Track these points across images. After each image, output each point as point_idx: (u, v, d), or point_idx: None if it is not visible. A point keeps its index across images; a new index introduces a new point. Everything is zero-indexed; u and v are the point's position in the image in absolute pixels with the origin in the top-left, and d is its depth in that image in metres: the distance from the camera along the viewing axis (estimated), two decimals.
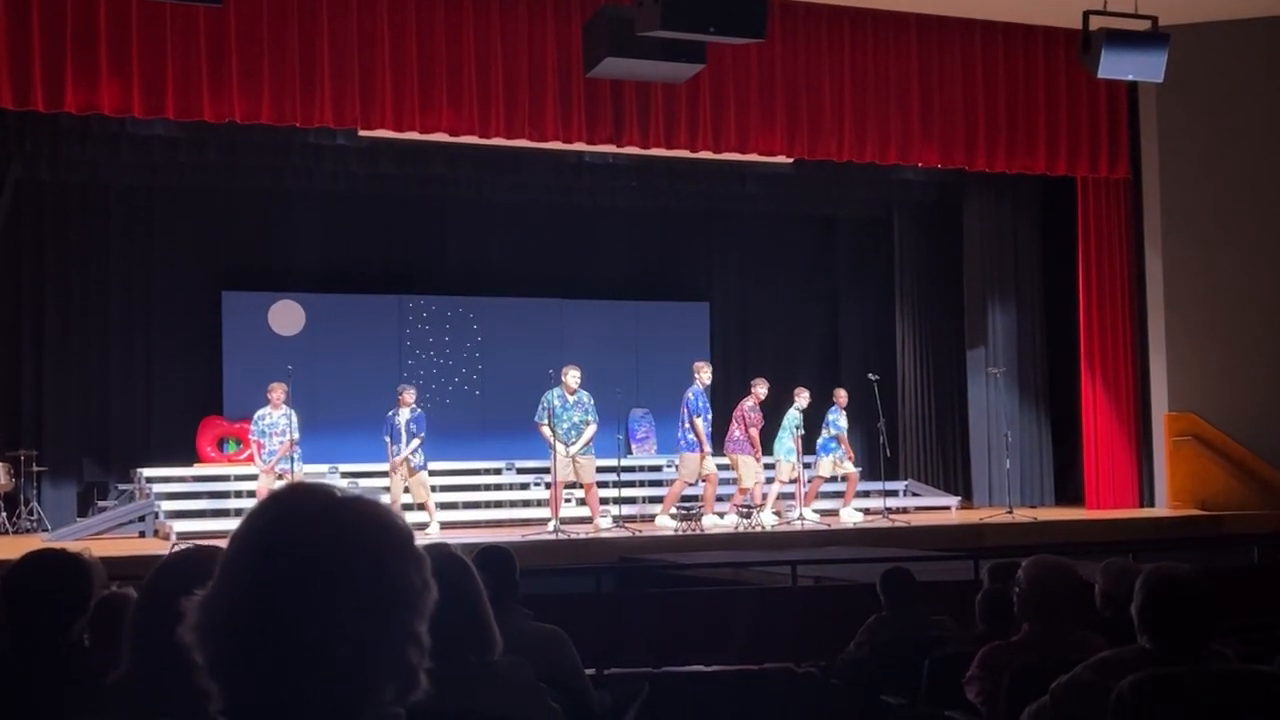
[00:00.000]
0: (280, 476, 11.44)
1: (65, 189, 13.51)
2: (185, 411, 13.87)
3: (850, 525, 12.65)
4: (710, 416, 12.35)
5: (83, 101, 10.67)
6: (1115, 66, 11.10)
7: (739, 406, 12.66)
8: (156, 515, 12.03)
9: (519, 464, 13.88)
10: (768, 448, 12.86)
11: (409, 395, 11.83)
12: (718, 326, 16.05)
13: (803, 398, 12.96)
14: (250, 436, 11.84)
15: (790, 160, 13.71)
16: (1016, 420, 14.71)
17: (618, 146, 12.64)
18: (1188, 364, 13.91)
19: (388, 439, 11.76)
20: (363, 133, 12.14)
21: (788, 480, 12.85)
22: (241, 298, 14.20)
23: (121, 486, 13.37)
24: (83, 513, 13.21)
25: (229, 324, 14.10)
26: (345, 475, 12.86)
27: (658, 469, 14.51)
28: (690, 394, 12.31)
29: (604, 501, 12.43)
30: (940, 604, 5.76)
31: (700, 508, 12.22)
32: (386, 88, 11.46)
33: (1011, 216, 15.15)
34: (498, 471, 13.93)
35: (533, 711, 2.64)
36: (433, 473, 13.22)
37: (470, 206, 14.83)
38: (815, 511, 12.98)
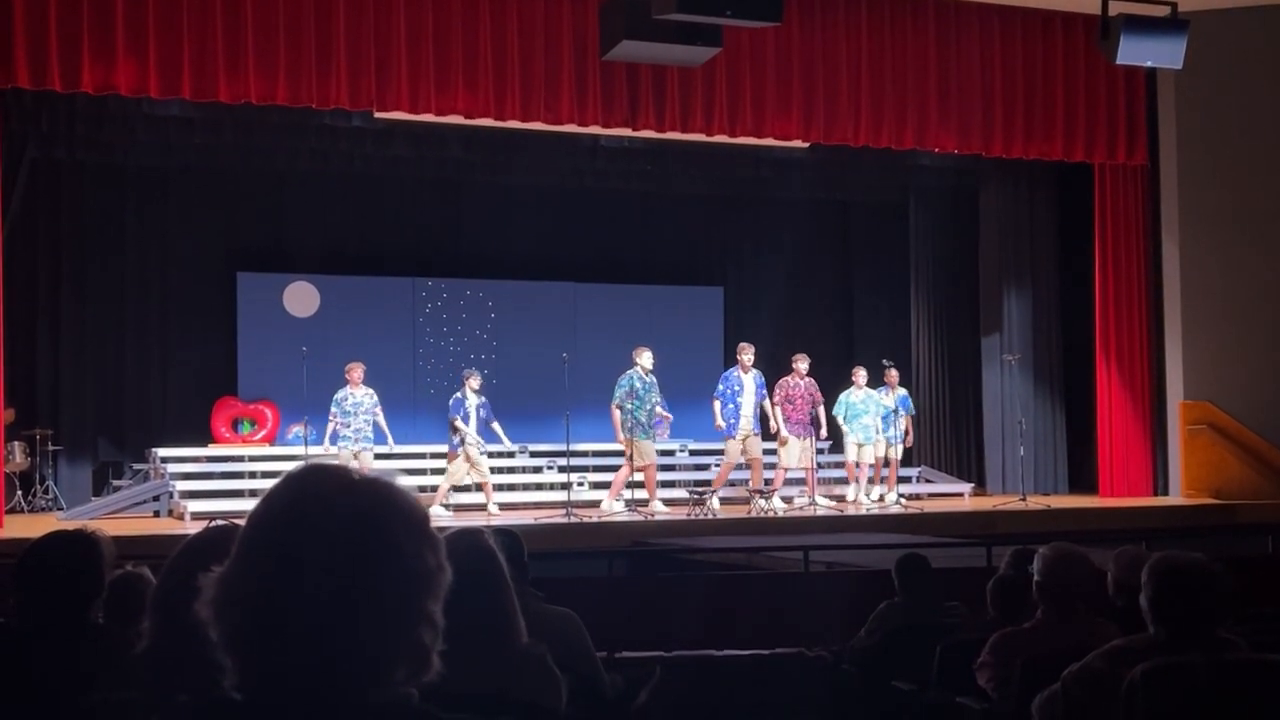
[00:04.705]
0: (355, 456, 11.68)
1: (81, 169, 13.54)
2: (200, 392, 13.93)
3: (865, 511, 12.68)
4: (741, 400, 12.35)
5: (99, 82, 10.68)
6: (1134, 53, 11.06)
7: (786, 388, 12.68)
8: (171, 495, 12.08)
9: (532, 447, 13.89)
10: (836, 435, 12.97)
11: (475, 381, 12.06)
12: (732, 312, 16.02)
13: (860, 377, 13.02)
14: (331, 417, 11.89)
15: (806, 145, 13.66)
16: (1031, 407, 14.66)
17: (633, 130, 12.62)
18: (1203, 352, 13.85)
19: (458, 419, 11.93)
20: (378, 115, 12.13)
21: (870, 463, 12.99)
22: (256, 279, 14.23)
23: (136, 466, 13.44)
24: (98, 492, 13.28)
25: (244, 305, 14.13)
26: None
27: (670, 454, 14.51)
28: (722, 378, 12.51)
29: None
30: (952, 590, 5.76)
31: (749, 489, 12.29)
32: (402, 70, 11.46)
33: (1028, 203, 15.08)
34: (511, 455, 13.95)
35: (551, 695, 2.65)
36: (444, 456, 13.26)
37: (485, 189, 14.82)
38: (827, 498, 12.97)
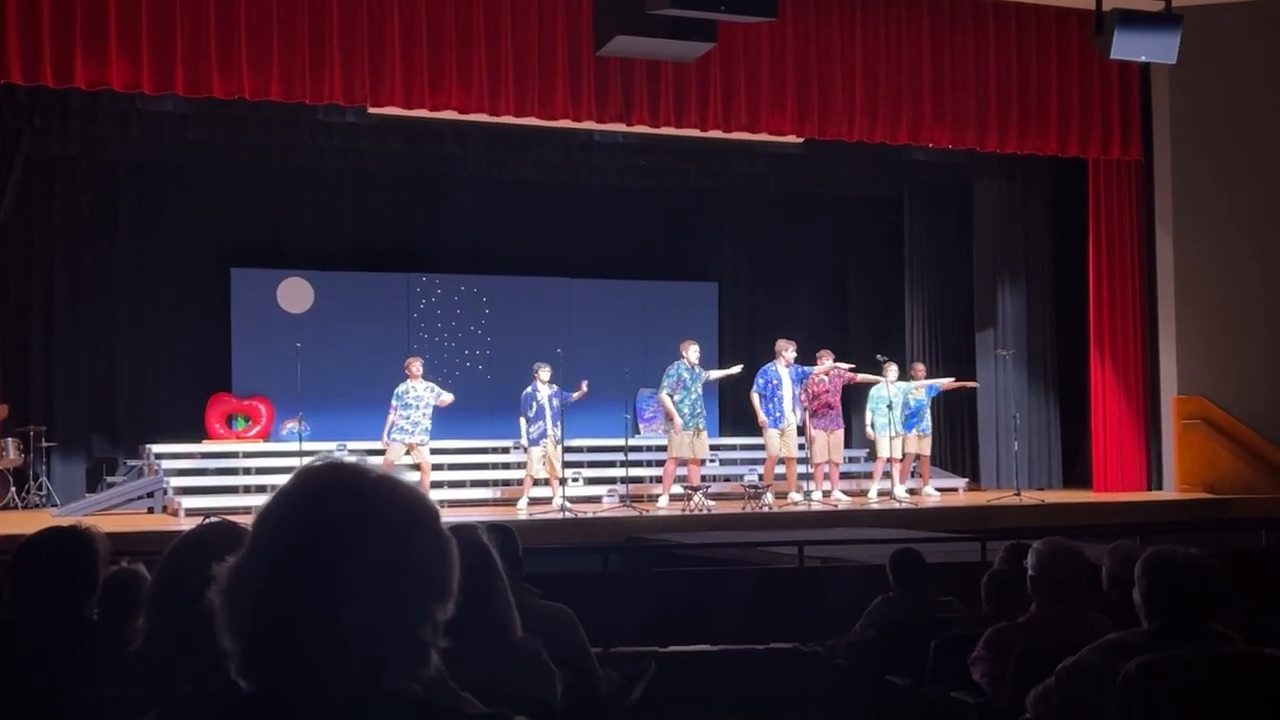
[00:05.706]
0: (413, 447, 11.80)
1: (75, 164, 13.50)
2: (194, 388, 13.91)
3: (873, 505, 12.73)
4: (782, 394, 12.40)
5: (92, 77, 10.66)
6: (1128, 47, 11.06)
7: (810, 383, 12.72)
8: (165, 491, 12.08)
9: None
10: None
11: (545, 373, 12.10)
12: (726, 307, 16.03)
13: (891, 372, 13.05)
14: (391, 410, 11.95)
15: (800, 140, 13.67)
16: (1025, 402, 14.69)
17: (627, 125, 12.62)
18: (1197, 347, 13.88)
19: (526, 416, 12.00)
20: (372, 110, 12.13)
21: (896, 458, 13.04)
22: (250, 275, 14.20)
23: (130, 462, 13.42)
24: (92, 488, 13.25)
25: (238, 301, 14.11)
26: (353, 453, 12.87)
27: (664, 449, 14.49)
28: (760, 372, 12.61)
29: (610, 481, 12.46)
30: (947, 585, 5.76)
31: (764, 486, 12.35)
32: (396, 65, 11.44)
33: (1022, 198, 15.09)
34: (505, 450, 13.94)
35: (546, 690, 2.66)
36: (440, 451, 13.26)
37: (479, 185, 14.79)
38: (821, 492, 12.98)
